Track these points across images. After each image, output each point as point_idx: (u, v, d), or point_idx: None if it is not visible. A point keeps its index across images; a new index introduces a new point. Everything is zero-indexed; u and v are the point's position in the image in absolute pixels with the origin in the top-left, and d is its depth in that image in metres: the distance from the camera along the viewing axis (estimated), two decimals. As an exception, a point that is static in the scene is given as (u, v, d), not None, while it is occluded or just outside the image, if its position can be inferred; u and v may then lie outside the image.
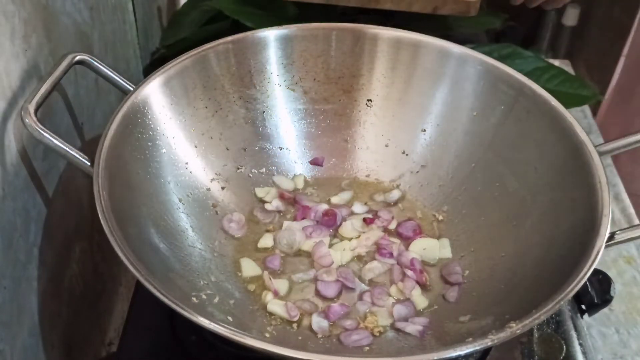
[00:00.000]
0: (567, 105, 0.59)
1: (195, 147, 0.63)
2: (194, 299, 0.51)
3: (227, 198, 0.64)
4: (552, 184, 0.57)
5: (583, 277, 0.46)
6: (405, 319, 0.55)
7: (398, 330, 0.55)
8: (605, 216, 0.50)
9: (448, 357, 0.41)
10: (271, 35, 0.66)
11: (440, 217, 0.65)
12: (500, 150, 0.63)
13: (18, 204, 0.49)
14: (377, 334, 0.54)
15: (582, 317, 0.59)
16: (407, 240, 0.62)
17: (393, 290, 0.58)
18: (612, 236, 0.50)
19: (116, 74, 0.60)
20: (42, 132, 0.49)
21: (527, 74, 0.63)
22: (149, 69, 0.80)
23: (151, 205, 0.56)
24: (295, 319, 0.55)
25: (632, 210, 0.80)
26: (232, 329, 0.42)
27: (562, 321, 0.57)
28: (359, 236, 0.63)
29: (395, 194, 0.66)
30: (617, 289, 0.60)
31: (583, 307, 0.59)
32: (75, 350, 0.60)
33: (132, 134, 0.56)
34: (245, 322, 0.54)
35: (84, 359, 0.63)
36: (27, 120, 0.49)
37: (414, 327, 0.54)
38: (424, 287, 0.59)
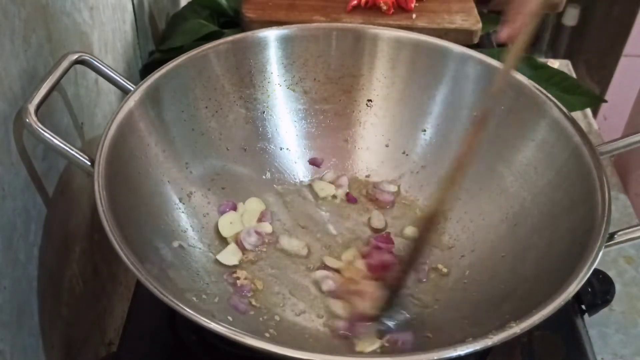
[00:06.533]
0: (569, 109, 0.59)
1: (195, 147, 0.63)
2: (193, 299, 0.51)
3: (227, 198, 0.64)
4: (552, 184, 0.57)
5: (583, 277, 0.45)
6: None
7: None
8: (606, 216, 0.50)
9: (448, 357, 0.41)
10: (271, 35, 0.66)
11: (440, 218, 0.65)
12: (500, 150, 0.62)
13: (18, 204, 0.49)
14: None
15: (582, 317, 0.59)
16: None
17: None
18: (612, 236, 0.50)
19: (116, 73, 0.60)
20: (42, 132, 0.49)
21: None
22: (144, 72, 0.80)
23: (151, 205, 0.56)
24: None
25: (632, 210, 0.80)
26: (232, 329, 0.42)
27: (562, 321, 0.57)
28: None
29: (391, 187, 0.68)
30: (617, 289, 0.60)
31: (583, 307, 0.59)
32: (75, 350, 0.60)
33: (132, 134, 0.56)
34: (245, 322, 0.54)
35: (84, 359, 0.63)
36: (27, 120, 0.49)
37: (404, 337, 0.53)
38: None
